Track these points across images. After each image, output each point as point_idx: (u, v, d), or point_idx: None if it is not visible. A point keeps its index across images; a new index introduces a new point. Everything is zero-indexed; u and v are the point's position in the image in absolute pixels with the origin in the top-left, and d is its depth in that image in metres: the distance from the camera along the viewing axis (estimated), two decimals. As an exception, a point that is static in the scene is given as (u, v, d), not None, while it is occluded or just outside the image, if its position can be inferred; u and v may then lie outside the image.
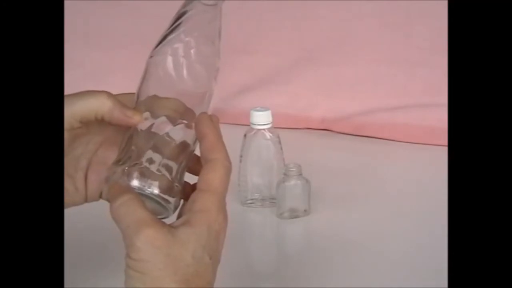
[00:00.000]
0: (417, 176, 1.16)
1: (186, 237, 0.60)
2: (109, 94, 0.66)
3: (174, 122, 0.66)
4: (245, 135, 1.04)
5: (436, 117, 1.23)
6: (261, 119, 1.02)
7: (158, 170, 0.64)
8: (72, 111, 0.65)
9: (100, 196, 0.70)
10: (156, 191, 0.63)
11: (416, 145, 1.26)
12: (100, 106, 0.65)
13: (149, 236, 0.59)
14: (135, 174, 0.63)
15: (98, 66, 1.42)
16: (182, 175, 0.66)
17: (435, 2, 1.21)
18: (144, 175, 0.63)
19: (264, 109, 1.03)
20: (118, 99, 0.66)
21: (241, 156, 1.03)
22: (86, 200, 0.70)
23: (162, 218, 0.64)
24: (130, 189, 0.63)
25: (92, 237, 0.95)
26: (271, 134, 1.03)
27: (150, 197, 0.63)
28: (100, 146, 0.70)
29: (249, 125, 1.03)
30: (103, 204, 0.70)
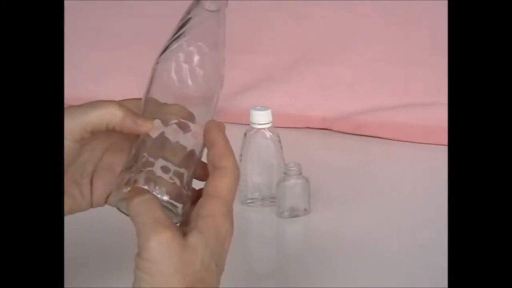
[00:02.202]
0: (417, 176, 1.16)
1: (197, 242, 0.60)
2: (119, 104, 0.66)
3: (184, 129, 0.66)
4: (245, 134, 1.04)
5: (437, 116, 1.23)
6: (261, 118, 1.02)
7: (170, 177, 0.64)
8: (84, 123, 0.65)
9: (105, 202, 0.70)
10: (166, 197, 0.63)
11: (416, 145, 1.26)
12: (111, 117, 0.65)
13: (166, 238, 0.59)
14: (147, 180, 0.63)
15: (98, 66, 1.42)
16: (190, 181, 0.66)
17: (435, 2, 1.21)
18: (155, 181, 0.63)
19: (264, 108, 1.03)
20: (127, 106, 0.66)
21: (241, 156, 1.03)
22: (91, 205, 0.70)
23: None
24: (149, 191, 0.63)
25: (93, 239, 0.95)
26: (271, 134, 1.03)
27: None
28: (105, 152, 0.70)
29: (249, 125, 1.03)
30: (103, 207, 0.70)
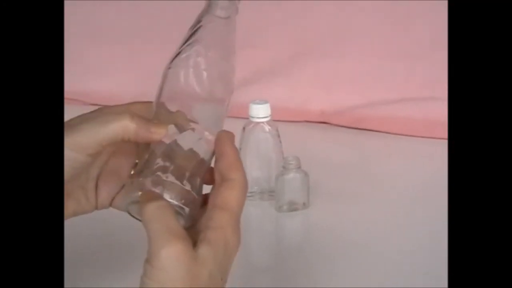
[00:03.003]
0: (417, 170, 1.16)
1: (206, 255, 0.60)
2: (131, 115, 0.65)
3: (198, 136, 0.66)
4: (244, 128, 1.04)
5: (436, 110, 1.23)
6: (260, 112, 1.02)
7: (182, 182, 0.64)
8: (98, 139, 0.64)
9: (110, 204, 0.70)
10: (178, 202, 0.63)
11: (415, 139, 1.26)
12: (125, 130, 0.64)
13: (178, 249, 0.59)
14: (156, 183, 0.63)
15: (98, 61, 1.41)
16: (201, 187, 0.66)
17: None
18: (168, 186, 0.63)
19: (263, 102, 1.03)
20: (139, 110, 0.66)
21: (240, 149, 1.03)
22: (96, 208, 0.70)
23: None
24: (163, 197, 0.63)
25: (94, 240, 0.94)
26: (270, 127, 1.03)
27: None
28: (111, 156, 0.69)
29: (248, 118, 1.03)
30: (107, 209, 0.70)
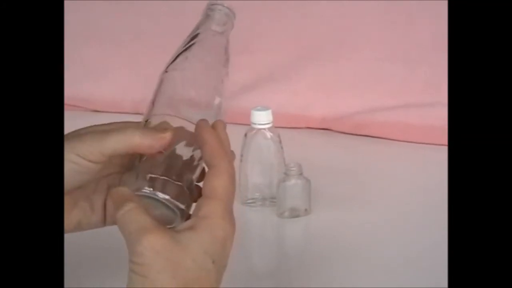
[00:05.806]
0: (417, 176, 1.16)
1: (187, 241, 0.61)
2: (136, 126, 0.66)
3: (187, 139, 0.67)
4: (245, 135, 1.04)
5: (437, 116, 1.23)
6: (262, 118, 1.02)
7: (172, 178, 0.65)
8: (102, 150, 0.65)
9: None
10: (167, 196, 0.64)
11: (416, 145, 1.25)
12: (130, 142, 0.65)
13: (150, 241, 0.60)
14: (149, 179, 0.64)
15: (97, 63, 1.41)
16: (192, 183, 0.67)
17: (436, 0, 1.20)
18: (157, 181, 0.64)
19: (265, 108, 1.03)
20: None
21: (241, 156, 1.03)
22: (104, 222, 0.70)
23: (173, 227, 0.64)
24: (132, 197, 0.63)
25: (94, 239, 0.94)
26: (271, 134, 1.03)
27: (162, 202, 0.64)
28: (122, 169, 0.70)
29: (249, 125, 1.04)
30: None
